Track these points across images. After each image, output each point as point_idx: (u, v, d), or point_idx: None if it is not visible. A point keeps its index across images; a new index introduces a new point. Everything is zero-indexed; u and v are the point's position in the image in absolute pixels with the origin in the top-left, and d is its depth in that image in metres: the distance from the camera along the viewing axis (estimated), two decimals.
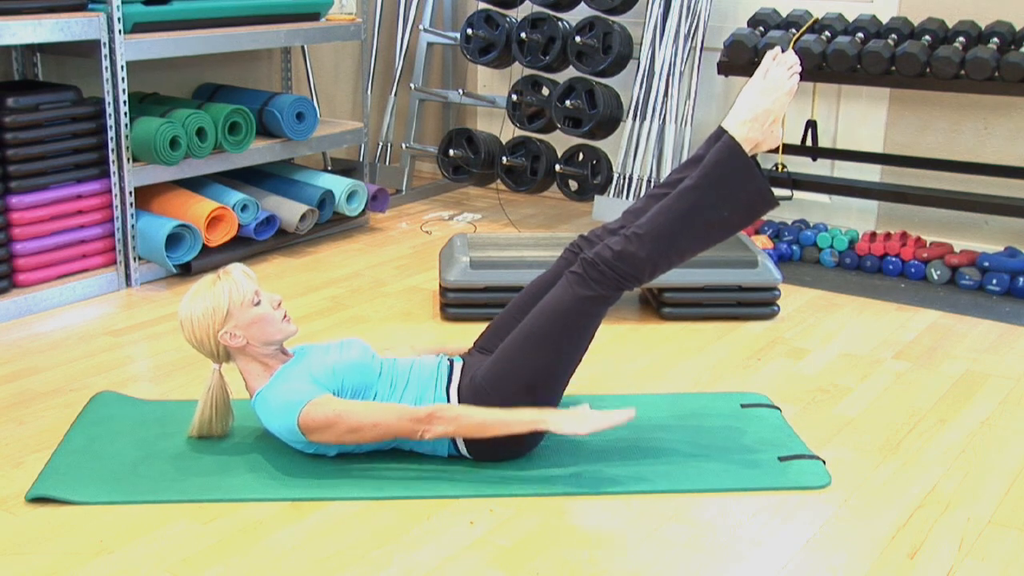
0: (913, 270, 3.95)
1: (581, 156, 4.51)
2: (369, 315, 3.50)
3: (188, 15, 3.82)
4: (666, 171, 4.35)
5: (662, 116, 4.38)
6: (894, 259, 3.99)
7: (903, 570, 2.08)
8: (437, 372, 2.48)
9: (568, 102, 4.41)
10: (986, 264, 3.81)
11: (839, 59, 3.91)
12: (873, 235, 4.12)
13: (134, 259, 3.73)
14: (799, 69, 2.44)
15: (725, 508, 2.30)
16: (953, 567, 2.09)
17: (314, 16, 4.35)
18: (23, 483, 2.35)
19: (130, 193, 3.67)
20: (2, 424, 2.66)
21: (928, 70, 3.81)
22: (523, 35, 4.53)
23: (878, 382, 3.00)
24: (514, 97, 4.59)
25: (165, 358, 3.11)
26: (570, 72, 4.56)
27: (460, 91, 5.04)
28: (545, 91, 4.55)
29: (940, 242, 4.06)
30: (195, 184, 3.98)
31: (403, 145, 5.13)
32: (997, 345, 3.30)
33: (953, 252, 3.96)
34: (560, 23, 4.48)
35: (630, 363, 3.12)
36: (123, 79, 3.59)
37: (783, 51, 2.46)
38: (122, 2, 3.56)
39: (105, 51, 3.54)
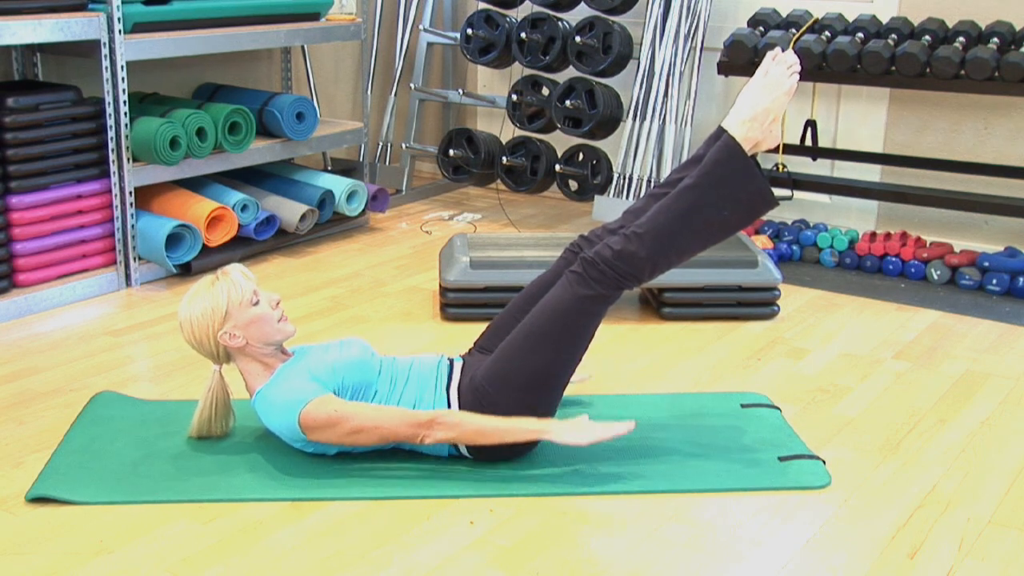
0: (913, 270, 3.95)
1: (581, 156, 4.51)
2: (369, 315, 3.50)
3: (188, 15, 3.82)
4: (666, 171, 4.35)
5: (662, 116, 4.38)
6: (894, 259, 3.99)
7: (903, 570, 2.08)
8: (437, 371, 2.48)
9: (568, 102, 4.41)
10: (986, 264, 3.81)
11: (839, 59, 3.91)
12: (873, 235, 4.12)
13: (134, 259, 3.73)
14: (799, 69, 2.45)
15: (725, 508, 2.30)
16: (953, 567, 2.09)
17: (314, 16, 4.35)
18: (23, 483, 2.35)
19: (130, 193, 3.67)
20: (2, 424, 2.66)
21: (928, 70, 3.81)
22: (523, 35, 4.53)
23: (878, 382, 3.00)
24: (514, 97, 4.59)
25: (165, 358, 3.11)
26: (570, 72, 4.56)
27: (460, 91, 5.04)
28: (545, 91, 4.55)
29: (940, 242, 4.06)
30: (195, 184, 3.98)
31: (403, 145, 5.13)
32: (997, 345, 3.30)
33: (953, 252, 3.96)
34: (560, 23, 4.48)
35: (630, 363, 3.12)
36: (123, 79, 3.59)
37: (783, 51, 2.47)
38: (122, 2, 3.56)
39: (105, 51, 3.54)
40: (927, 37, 3.86)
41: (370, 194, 4.44)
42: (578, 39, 4.39)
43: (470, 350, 2.65)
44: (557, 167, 4.55)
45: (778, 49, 2.48)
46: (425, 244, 4.34)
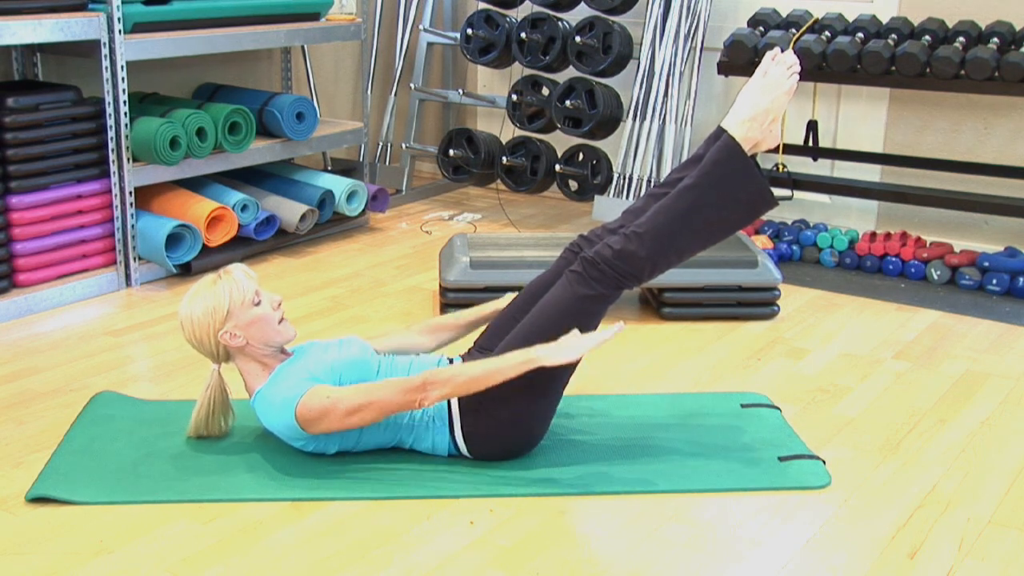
0: (913, 270, 3.95)
1: (581, 156, 4.51)
2: (369, 315, 3.50)
3: (188, 15, 3.82)
4: (666, 171, 4.35)
5: (662, 116, 4.38)
6: (894, 259, 3.99)
7: (903, 570, 2.08)
8: None
9: (568, 102, 4.41)
10: (986, 264, 3.81)
11: (839, 59, 3.91)
12: (873, 235, 4.12)
13: (134, 259, 3.73)
14: (798, 69, 2.45)
15: (725, 508, 2.30)
16: (953, 567, 2.09)
17: (314, 16, 4.36)
18: (23, 483, 2.35)
19: (130, 193, 3.67)
20: (2, 424, 2.66)
21: (928, 70, 3.81)
22: (523, 35, 4.53)
23: (878, 382, 3.00)
24: (514, 97, 4.59)
25: (165, 358, 3.11)
26: (570, 72, 4.56)
27: (460, 91, 5.04)
28: (545, 91, 4.55)
29: (940, 242, 4.06)
30: (195, 184, 3.98)
31: (403, 145, 5.13)
32: (997, 345, 3.30)
33: (953, 252, 3.96)
34: (560, 23, 4.48)
35: (630, 363, 3.12)
36: (123, 79, 3.59)
37: (783, 51, 2.47)
38: (122, 2, 3.56)
39: (105, 51, 3.54)
40: (927, 37, 3.86)
41: (370, 194, 4.44)
42: (578, 39, 4.39)
43: (470, 350, 2.64)
44: (557, 167, 4.55)
45: (778, 49, 2.48)
46: (425, 244, 4.34)
